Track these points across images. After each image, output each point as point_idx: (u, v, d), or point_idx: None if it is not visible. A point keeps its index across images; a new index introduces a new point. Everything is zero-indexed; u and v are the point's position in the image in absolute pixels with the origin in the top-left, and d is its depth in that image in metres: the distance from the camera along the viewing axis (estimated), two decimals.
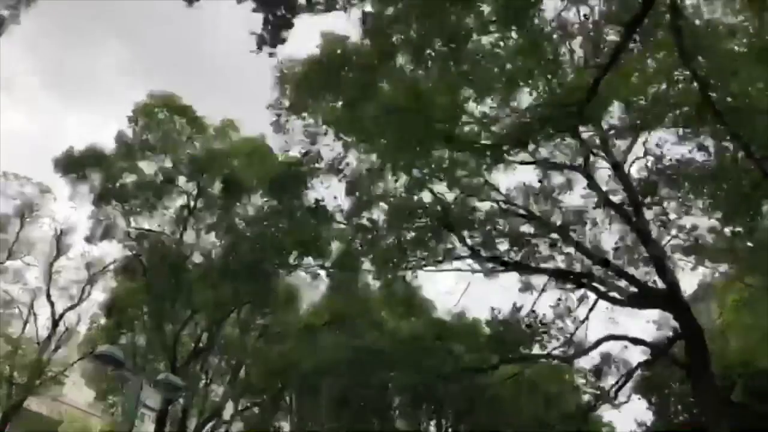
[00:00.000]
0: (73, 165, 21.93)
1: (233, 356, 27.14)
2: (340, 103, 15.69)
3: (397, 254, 18.15)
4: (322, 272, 22.34)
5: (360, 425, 25.53)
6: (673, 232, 16.85)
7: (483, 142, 15.39)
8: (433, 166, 16.30)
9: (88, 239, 23.12)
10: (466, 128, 15.50)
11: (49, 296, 25.44)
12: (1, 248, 25.02)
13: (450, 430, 29.31)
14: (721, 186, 14.60)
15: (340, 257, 20.37)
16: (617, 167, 16.18)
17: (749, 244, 15.08)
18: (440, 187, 17.43)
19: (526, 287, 19.00)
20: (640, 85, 13.99)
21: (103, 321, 26.71)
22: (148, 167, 22.72)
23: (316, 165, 18.07)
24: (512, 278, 19.09)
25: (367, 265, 19.63)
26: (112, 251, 25.28)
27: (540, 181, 17.77)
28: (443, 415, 28.73)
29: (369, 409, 25.57)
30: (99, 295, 26.73)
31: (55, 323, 25.45)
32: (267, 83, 16.47)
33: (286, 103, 16.80)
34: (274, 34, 9.73)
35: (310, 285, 25.22)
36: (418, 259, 18.56)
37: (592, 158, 16.66)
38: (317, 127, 17.26)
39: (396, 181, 17.14)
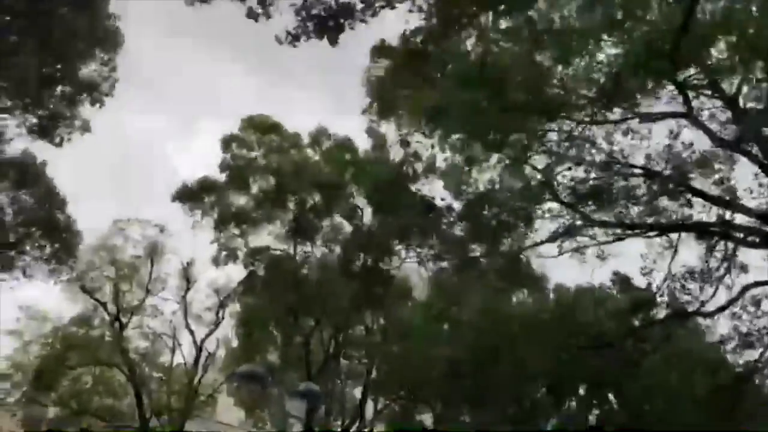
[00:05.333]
0: (189, 196, 23.95)
1: (363, 358, 27.75)
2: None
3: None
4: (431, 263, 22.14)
5: (500, 412, 24.88)
6: None
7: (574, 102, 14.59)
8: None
9: (215, 261, 25.03)
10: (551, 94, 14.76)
11: (188, 325, 27.33)
12: (140, 288, 27.23)
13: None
14: None
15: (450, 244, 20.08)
16: (730, 103, 14.70)
17: None
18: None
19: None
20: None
21: (235, 343, 28.35)
22: (254, 186, 24.56)
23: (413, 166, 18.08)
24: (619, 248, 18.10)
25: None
26: (234, 274, 26.75)
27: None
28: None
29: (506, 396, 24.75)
30: (230, 317, 28.31)
31: (199, 349, 27.29)
32: None
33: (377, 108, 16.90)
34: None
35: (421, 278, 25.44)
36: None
37: (698, 101, 15.29)
38: (407, 128, 17.23)
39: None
